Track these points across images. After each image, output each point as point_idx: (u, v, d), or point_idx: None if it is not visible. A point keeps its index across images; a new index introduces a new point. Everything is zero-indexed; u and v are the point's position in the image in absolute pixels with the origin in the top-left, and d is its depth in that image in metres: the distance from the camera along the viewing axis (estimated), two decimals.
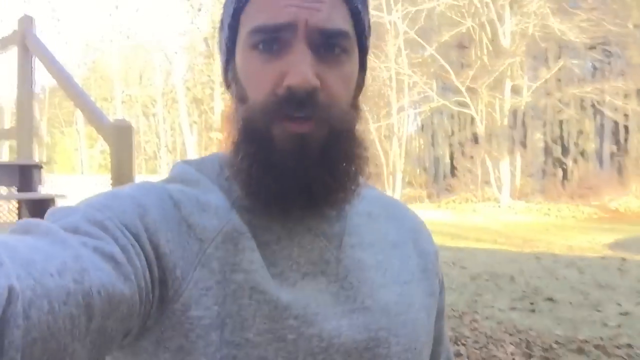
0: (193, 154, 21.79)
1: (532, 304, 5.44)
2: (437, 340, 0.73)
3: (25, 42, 4.23)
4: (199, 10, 25.49)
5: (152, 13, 25.46)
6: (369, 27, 0.66)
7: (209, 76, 28.45)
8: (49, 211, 0.52)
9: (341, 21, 0.59)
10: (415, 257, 0.70)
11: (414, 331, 0.64)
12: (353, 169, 0.61)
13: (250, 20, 0.59)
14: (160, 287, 0.53)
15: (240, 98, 0.61)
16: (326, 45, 0.58)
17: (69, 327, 0.40)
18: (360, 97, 0.67)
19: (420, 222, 0.76)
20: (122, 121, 3.48)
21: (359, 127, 0.63)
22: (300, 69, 0.55)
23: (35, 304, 0.37)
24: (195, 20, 27.07)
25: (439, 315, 0.73)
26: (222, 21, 0.66)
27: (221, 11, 0.67)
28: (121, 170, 3.31)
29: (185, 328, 0.53)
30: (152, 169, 31.17)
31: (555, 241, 10.63)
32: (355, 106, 0.64)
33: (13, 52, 4.60)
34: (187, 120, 23.18)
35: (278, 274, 0.58)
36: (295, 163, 0.56)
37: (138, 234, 0.52)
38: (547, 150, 22.00)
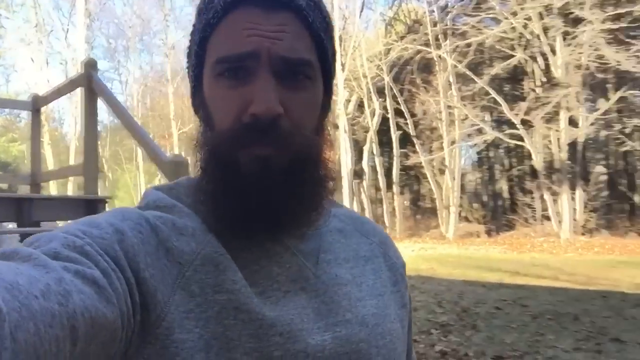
0: None
1: (598, 344, 5.13)
2: (409, 350, 0.76)
3: (91, 84, 4.48)
4: None
5: None
6: (333, 53, 0.68)
7: None
8: (27, 239, 0.52)
9: (303, 49, 0.61)
10: (386, 270, 0.73)
11: (391, 342, 0.66)
12: (318, 191, 0.63)
13: (215, 50, 0.61)
14: (142, 312, 0.53)
15: (207, 123, 0.63)
16: (289, 72, 0.60)
17: (54, 351, 0.40)
18: (326, 120, 0.70)
19: (386, 236, 0.79)
20: (178, 157, 3.62)
21: (324, 151, 0.65)
22: (264, 97, 0.57)
23: (21, 326, 0.37)
24: None
25: (409, 326, 0.76)
26: (189, 48, 0.68)
27: (188, 39, 0.69)
28: None
29: (170, 352, 0.53)
30: None
31: (622, 279, 10.05)
32: (320, 130, 0.66)
33: (77, 93, 4.87)
34: None
35: (259, 293, 0.59)
36: (258, 184, 0.58)
37: (118, 258, 0.52)
38: (610, 184, 21.09)
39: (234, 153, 0.59)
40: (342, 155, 19.93)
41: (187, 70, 0.70)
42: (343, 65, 21.20)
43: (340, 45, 20.38)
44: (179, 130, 26.76)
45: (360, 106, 23.75)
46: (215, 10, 0.61)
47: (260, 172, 0.58)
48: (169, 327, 0.53)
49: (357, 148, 23.99)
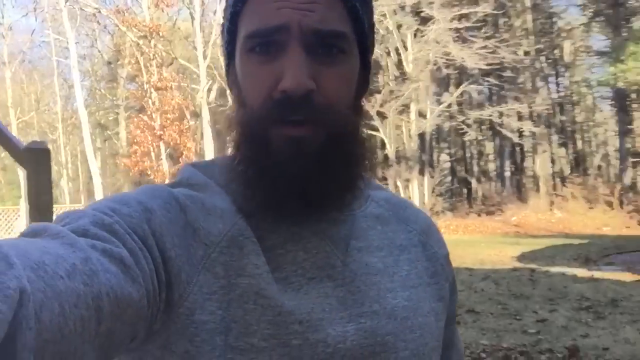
0: (97, 182, 20.71)
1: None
2: (448, 345, 0.72)
3: None
4: (103, 30, 24.62)
5: (49, 36, 24.14)
6: (371, 26, 0.65)
7: (112, 101, 27.39)
8: (58, 216, 0.52)
9: (337, 21, 0.58)
10: (424, 261, 0.69)
11: (421, 336, 0.63)
12: (354, 171, 0.61)
13: (246, 25, 0.59)
14: (167, 291, 0.53)
15: (240, 102, 0.61)
16: (323, 46, 0.57)
17: (79, 330, 0.40)
18: (364, 97, 0.67)
19: (431, 223, 0.75)
20: (37, 143, 3.24)
21: (361, 128, 0.63)
22: (293, 72, 0.55)
23: (46, 306, 0.37)
24: (96, 43, 26.12)
25: (450, 319, 0.72)
26: (222, 25, 0.66)
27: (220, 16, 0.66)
28: (39, 198, 3.08)
29: (190, 332, 0.53)
30: (54, 198, 29.23)
31: (467, 255, 11.13)
32: (357, 107, 0.64)
33: None
34: (91, 146, 22.05)
35: (283, 279, 0.57)
36: (292, 167, 0.56)
37: (145, 237, 0.52)
38: (453, 171, 23.21)
39: (265, 131, 0.56)
40: (205, 145, 19.51)
41: (221, 47, 0.67)
42: (205, 53, 20.70)
43: (202, 33, 19.84)
44: (17, 119, 24.22)
45: (222, 95, 23.39)
46: None
47: (292, 154, 0.55)
48: (190, 308, 0.53)
49: (221, 138, 23.63)
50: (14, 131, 23.72)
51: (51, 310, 0.38)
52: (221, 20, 0.67)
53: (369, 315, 0.59)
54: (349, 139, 0.60)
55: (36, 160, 3.07)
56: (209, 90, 21.76)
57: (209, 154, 20.39)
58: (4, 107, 24.80)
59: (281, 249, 0.59)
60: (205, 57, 19.89)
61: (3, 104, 24.88)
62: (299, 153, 0.56)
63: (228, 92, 0.63)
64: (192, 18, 20.16)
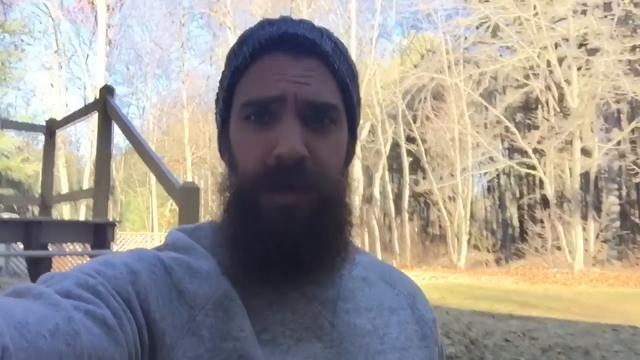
0: None
1: None
2: None
3: (106, 110, 4.58)
4: None
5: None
6: (358, 99, 0.68)
7: None
8: (42, 277, 0.52)
9: (329, 94, 0.62)
10: (413, 324, 0.69)
11: None
12: (342, 236, 0.62)
13: (243, 94, 0.62)
14: (150, 354, 0.52)
15: (232, 166, 0.63)
16: (315, 116, 0.60)
17: None
18: (350, 166, 0.69)
19: (416, 287, 0.75)
20: (190, 183, 3.67)
21: (348, 195, 0.64)
22: (289, 139, 0.57)
23: None
24: None
25: None
26: (217, 94, 0.69)
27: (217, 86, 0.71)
28: None
29: None
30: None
31: (634, 311, 9.85)
32: (345, 174, 0.66)
33: (94, 118, 4.97)
34: None
35: (270, 340, 0.57)
36: (282, 233, 0.57)
37: (129, 299, 0.52)
38: (623, 215, 20.83)
39: (256, 197, 0.58)
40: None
41: (215, 115, 0.70)
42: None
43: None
44: (192, 154, 27.01)
45: (371, 132, 23.85)
46: (244, 57, 0.62)
47: (283, 221, 0.57)
48: None
49: (368, 174, 24.00)
50: (188, 165, 26.52)
51: None
52: (216, 90, 0.70)
53: None
54: (338, 204, 0.61)
55: (187, 197, 3.48)
56: (361, 128, 22.30)
57: (359, 189, 20.76)
58: (182, 144, 27.87)
59: (268, 310, 0.59)
60: None
61: (180, 141, 27.98)
62: (290, 220, 0.57)
63: (219, 156, 0.67)
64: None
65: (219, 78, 0.70)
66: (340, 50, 0.64)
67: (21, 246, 4.02)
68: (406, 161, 22.73)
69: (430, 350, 0.68)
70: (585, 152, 18.00)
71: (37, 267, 3.77)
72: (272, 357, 0.56)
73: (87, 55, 26.82)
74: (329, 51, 0.62)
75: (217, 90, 0.70)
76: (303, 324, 0.60)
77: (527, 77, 19.08)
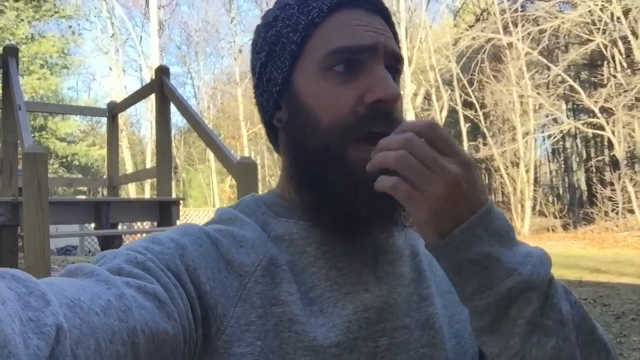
0: None
1: None
2: None
3: (162, 90, 4.66)
4: None
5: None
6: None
7: None
8: (95, 257, 0.53)
9: (397, 47, 0.65)
10: None
11: (459, 344, 0.63)
12: None
13: (326, 44, 0.61)
14: (204, 326, 0.53)
15: (306, 124, 0.61)
16: (392, 67, 0.63)
17: None
18: None
19: None
20: (247, 159, 3.70)
21: None
22: (386, 83, 0.58)
23: (82, 342, 0.37)
24: None
25: None
26: (269, 53, 0.65)
27: (262, 43, 0.67)
28: None
29: None
30: None
31: None
32: None
33: (152, 98, 5.08)
34: None
35: (318, 296, 0.59)
36: (368, 189, 0.56)
37: (179, 273, 0.52)
38: None
39: (343, 151, 0.58)
40: None
41: (263, 77, 0.66)
42: (410, 58, 20.86)
43: (407, 37, 20.07)
44: (248, 130, 27.36)
45: (426, 99, 23.34)
46: (319, 10, 0.62)
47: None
48: (228, 341, 0.54)
49: None
50: (244, 141, 26.93)
51: (87, 347, 0.38)
52: (266, 50, 0.66)
53: (400, 330, 0.60)
54: None
55: (245, 172, 3.52)
56: (415, 95, 21.87)
57: None
58: (237, 120, 28.27)
59: (313, 266, 0.60)
60: (410, 63, 20.04)
61: (236, 118, 28.38)
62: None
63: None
64: (397, 23, 20.46)
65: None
66: (390, 14, 0.68)
67: (93, 226, 4.21)
68: (464, 127, 22.11)
69: None
70: None
71: (110, 245, 3.93)
72: (320, 314, 0.57)
73: (141, 37, 27.53)
74: (389, 14, 0.66)
75: (265, 53, 0.66)
76: (349, 280, 0.61)
77: (590, 32, 18.01)
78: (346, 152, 0.58)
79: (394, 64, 0.63)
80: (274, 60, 0.65)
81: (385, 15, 0.65)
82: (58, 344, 0.35)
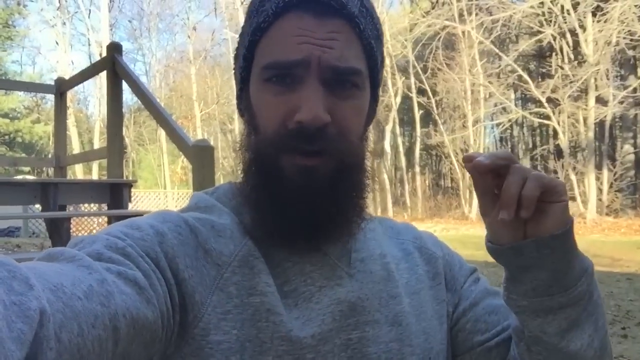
0: None
1: (623, 329, 5.07)
2: (503, 314, 0.69)
3: (115, 68, 4.51)
4: None
5: (227, 34, 26.30)
6: (382, 60, 0.67)
7: None
8: (72, 240, 0.54)
9: (354, 59, 0.60)
10: (423, 265, 0.71)
11: (426, 341, 0.65)
12: (361, 200, 0.63)
13: (264, 55, 0.61)
14: (181, 312, 0.54)
15: (252, 127, 0.63)
16: (338, 81, 0.59)
17: (97, 350, 0.41)
18: (370, 127, 0.70)
19: (419, 230, 0.78)
20: (203, 141, 3.63)
21: (368, 158, 0.65)
22: (311, 105, 0.56)
23: (65, 326, 0.38)
24: None
25: (488, 294, 0.72)
26: (237, 51, 0.68)
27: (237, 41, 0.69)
28: (203, 188, 3.46)
29: (205, 353, 0.54)
30: None
31: None
32: (365, 137, 0.66)
33: (101, 76, 4.91)
34: None
35: (292, 290, 0.60)
36: (303, 195, 0.57)
37: (158, 260, 0.53)
38: (638, 164, 20.63)
39: (277, 159, 0.58)
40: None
41: (234, 72, 0.69)
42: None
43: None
44: (201, 111, 26.88)
45: (382, 85, 23.50)
46: (266, 14, 0.60)
47: (304, 183, 0.57)
48: (205, 328, 0.54)
49: (378, 128, 23.82)
50: (197, 122, 26.46)
51: (70, 331, 0.38)
52: (236, 45, 0.70)
53: (371, 324, 0.62)
54: (357, 169, 0.62)
55: (200, 155, 3.46)
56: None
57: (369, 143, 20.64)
58: (190, 100, 27.71)
59: (288, 261, 0.61)
60: None
61: (189, 97, 27.81)
62: (311, 182, 0.58)
63: (237, 116, 0.66)
64: None
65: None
66: (366, 9, 0.62)
67: (38, 207, 4.05)
68: (417, 114, 22.45)
69: (441, 288, 0.71)
70: (600, 101, 17.67)
71: (57, 228, 3.80)
72: (295, 307, 0.58)
73: (90, 11, 26.41)
74: (355, 12, 0.60)
75: (236, 46, 0.68)
76: (322, 275, 0.62)
77: (540, 23, 18.53)
78: (280, 160, 0.58)
79: (337, 76, 0.59)
80: (237, 59, 0.67)
81: (346, 14, 0.59)
82: (42, 327, 0.35)
